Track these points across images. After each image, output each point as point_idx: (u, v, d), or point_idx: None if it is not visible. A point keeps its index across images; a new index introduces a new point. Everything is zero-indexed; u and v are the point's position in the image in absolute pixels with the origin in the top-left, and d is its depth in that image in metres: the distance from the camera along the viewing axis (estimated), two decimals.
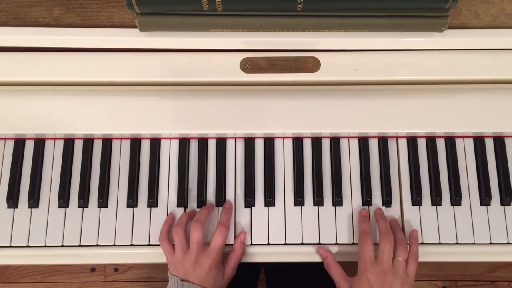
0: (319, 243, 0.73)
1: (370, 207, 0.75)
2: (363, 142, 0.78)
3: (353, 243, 0.74)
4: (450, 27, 0.72)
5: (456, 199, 0.75)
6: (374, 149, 0.78)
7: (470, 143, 0.78)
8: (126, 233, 0.74)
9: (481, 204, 0.76)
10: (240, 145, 0.78)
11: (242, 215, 0.75)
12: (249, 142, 0.78)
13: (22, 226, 0.75)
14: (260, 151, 0.78)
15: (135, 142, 0.78)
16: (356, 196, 0.76)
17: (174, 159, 0.77)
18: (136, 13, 0.69)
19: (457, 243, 0.74)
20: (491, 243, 0.74)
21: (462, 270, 1.45)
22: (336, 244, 0.74)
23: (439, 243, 0.74)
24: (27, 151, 0.77)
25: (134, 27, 0.72)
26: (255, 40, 0.74)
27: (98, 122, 0.74)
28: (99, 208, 0.75)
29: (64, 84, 0.76)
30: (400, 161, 0.77)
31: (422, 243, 0.74)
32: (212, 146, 0.78)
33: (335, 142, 0.78)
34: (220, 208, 0.75)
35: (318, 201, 0.75)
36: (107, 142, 0.78)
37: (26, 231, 0.74)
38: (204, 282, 0.68)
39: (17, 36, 0.75)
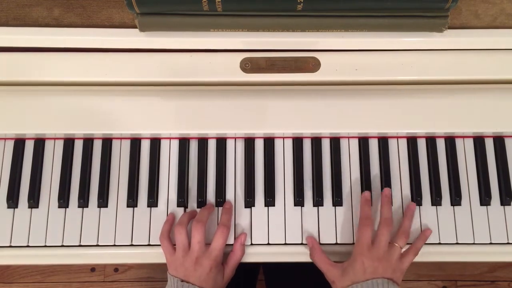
0: (319, 243, 0.73)
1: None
2: (363, 142, 0.78)
3: (353, 243, 0.74)
4: (450, 27, 0.72)
5: (456, 199, 0.75)
6: (374, 149, 0.78)
7: (470, 143, 0.78)
8: (126, 233, 0.74)
9: (481, 204, 0.76)
10: (240, 145, 0.78)
11: (242, 215, 0.75)
12: (249, 142, 0.78)
13: (22, 226, 0.74)
14: (260, 151, 0.78)
15: (135, 142, 0.78)
16: (356, 196, 0.76)
17: (174, 159, 0.77)
18: (136, 13, 0.69)
19: (457, 243, 0.74)
20: (491, 243, 0.74)
21: (462, 270, 1.45)
22: (336, 244, 0.74)
23: (439, 243, 0.74)
24: (27, 151, 0.77)
25: (134, 27, 0.72)
26: (255, 40, 0.74)
27: (98, 122, 0.74)
28: (99, 208, 0.75)
29: (64, 84, 0.76)
30: (400, 161, 0.77)
31: None
32: (212, 146, 0.78)
33: (335, 142, 0.78)
34: (220, 208, 0.75)
35: (318, 201, 0.75)
36: (107, 142, 0.78)
37: (26, 231, 0.74)
38: (204, 283, 0.67)
39: (17, 36, 0.75)
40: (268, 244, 0.74)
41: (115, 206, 0.75)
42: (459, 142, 0.78)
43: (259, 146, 0.78)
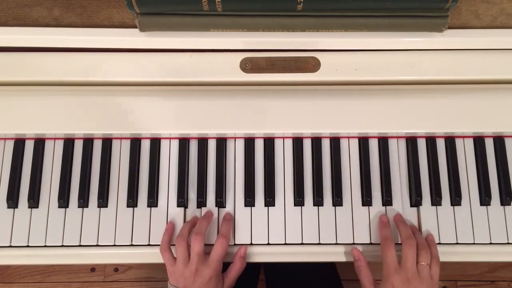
0: (319, 243, 0.73)
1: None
2: (363, 142, 0.78)
3: (353, 243, 0.74)
4: (450, 27, 0.72)
5: (456, 199, 0.75)
6: (374, 149, 0.78)
7: (470, 143, 0.78)
8: (126, 233, 0.74)
9: (481, 204, 0.76)
10: (240, 145, 0.78)
11: (242, 215, 0.75)
12: (249, 142, 0.78)
13: (22, 226, 0.74)
14: (260, 151, 0.78)
15: (135, 142, 0.78)
16: (356, 196, 0.76)
17: (174, 159, 0.77)
18: (136, 13, 0.69)
19: (457, 243, 0.74)
20: (491, 243, 0.74)
21: (462, 270, 1.45)
22: (336, 244, 0.74)
23: (439, 243, 0.74)
24: (27, 151, 0.77)
25: (134, 27, 0.72)
26: (255, 40, 0.74)
27: (98, 122, 0.74)
28: (99, 208, 0.75)
29: (64, 84, 0.76)
30: (400, 161, 0.77)
31: None
32: (212, 146, 0.78)
33: (335, 142, 0.78)
34: (221, 209, 0.75)
35: (318, 201, 0.75)
36: (107, 142, 0.78)
37: (26, 231, 0.74)
38: None
39: (17, 36, 0.75)
40: (268, 244, 0.74)
41: (115, 206, 0.75)
42: (459, 142, 0.78)
43: (259, 146, 0.78)
